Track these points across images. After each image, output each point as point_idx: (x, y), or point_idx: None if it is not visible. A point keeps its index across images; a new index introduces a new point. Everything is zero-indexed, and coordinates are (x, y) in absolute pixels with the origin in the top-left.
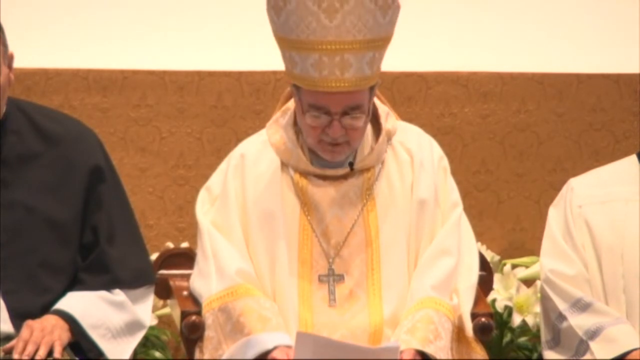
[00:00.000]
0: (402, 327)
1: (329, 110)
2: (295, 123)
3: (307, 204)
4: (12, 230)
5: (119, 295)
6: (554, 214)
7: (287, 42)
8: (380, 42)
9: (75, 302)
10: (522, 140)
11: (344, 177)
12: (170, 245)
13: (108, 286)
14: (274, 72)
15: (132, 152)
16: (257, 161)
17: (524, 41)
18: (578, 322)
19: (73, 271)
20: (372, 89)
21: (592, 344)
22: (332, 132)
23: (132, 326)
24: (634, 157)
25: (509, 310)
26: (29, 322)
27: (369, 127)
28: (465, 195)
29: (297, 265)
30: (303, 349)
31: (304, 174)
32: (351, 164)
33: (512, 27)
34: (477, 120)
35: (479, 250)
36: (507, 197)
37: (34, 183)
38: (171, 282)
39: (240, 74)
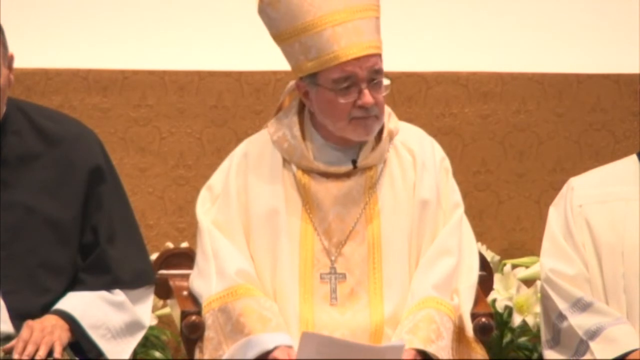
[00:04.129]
0: (403, 326)
1: (357, 77)
2: (299, 120)
3: (309, 202)
4: (12, 230)
5: (119, 295)
6: (554, 214)
7: (294, 31)
8: (375, 7)
9: (75, 302)
10: (522, 140)
11: (347, 175)
12: (170, 245)
13: (108, 286)
14: (274, 72)
15: (132, 152)
16: (260, 160)
17: (524, 41)
18: (578, 322)
19: (73, 271)
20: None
21: (592, 344)
22: (366, 99)
23: (132, 326)
24: (634, 157)
25: (509, 310)
26: (29, 322)
27: None
28: (465, 195)
29: (299, 263)
30: (307, 348)
31: (307, 171)
32: (354, 162)
33: (512, 27)
34: (477, 120)
35: (479, 250)
36: (507, 197)
37: (34, 183)
38: (171, 282)
39: (240, 74)
